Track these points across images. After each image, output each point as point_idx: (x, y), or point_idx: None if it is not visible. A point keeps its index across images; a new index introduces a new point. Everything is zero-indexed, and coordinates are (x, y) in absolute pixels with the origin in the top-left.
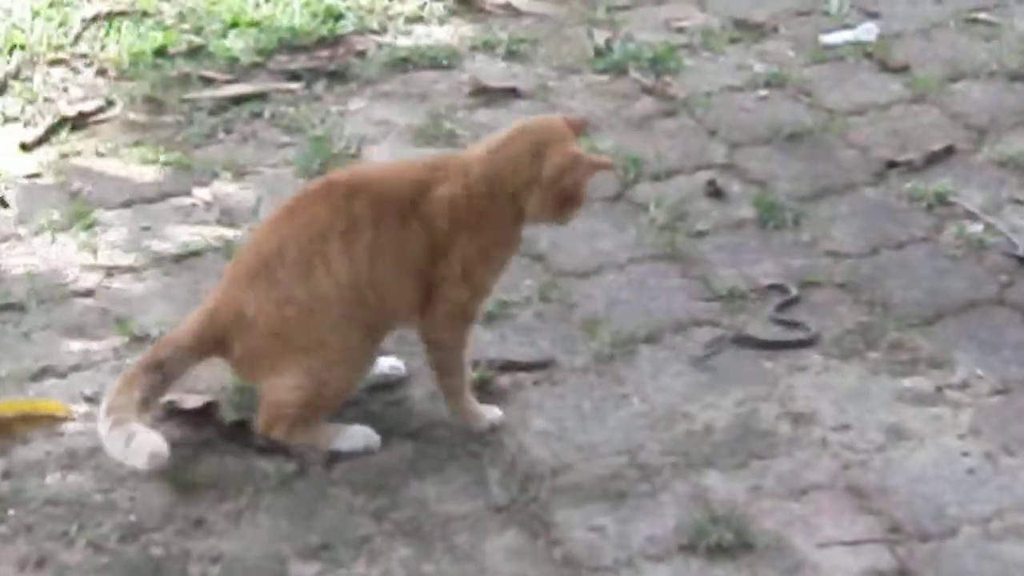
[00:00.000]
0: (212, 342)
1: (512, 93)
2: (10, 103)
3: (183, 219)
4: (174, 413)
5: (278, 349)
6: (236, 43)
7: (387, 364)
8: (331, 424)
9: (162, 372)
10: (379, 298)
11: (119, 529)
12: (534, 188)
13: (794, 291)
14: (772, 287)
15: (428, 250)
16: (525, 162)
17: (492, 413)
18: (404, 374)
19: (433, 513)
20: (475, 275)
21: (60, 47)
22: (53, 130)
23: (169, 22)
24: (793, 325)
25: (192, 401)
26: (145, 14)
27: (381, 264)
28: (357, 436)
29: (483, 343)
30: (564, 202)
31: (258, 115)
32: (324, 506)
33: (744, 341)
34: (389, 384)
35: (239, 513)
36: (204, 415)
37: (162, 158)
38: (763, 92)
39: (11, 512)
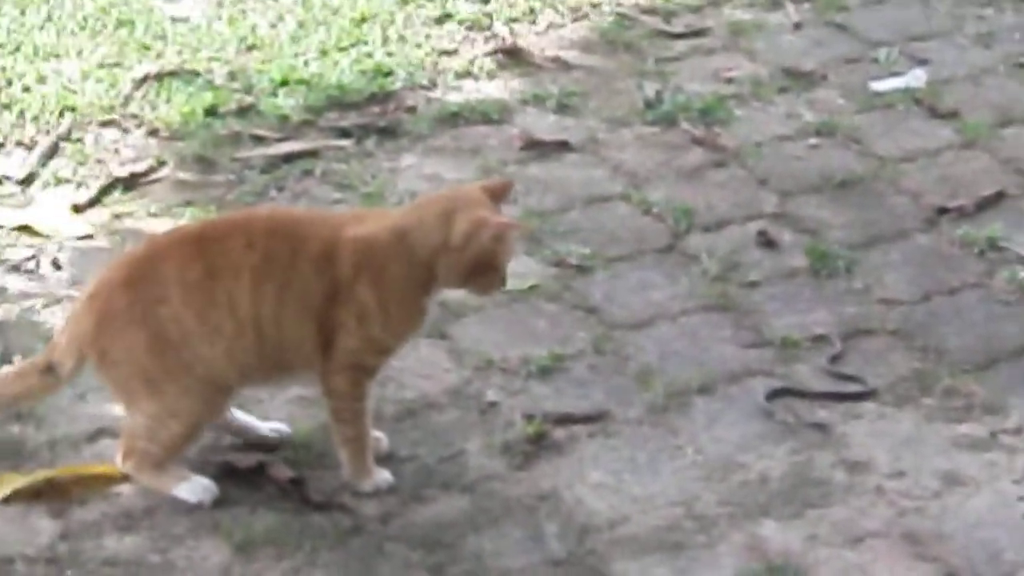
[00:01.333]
0: (83, 339)
1: (563, 146)
2: (62, 165)
3: None
4: (230, 472)
5: (140, 366)
6: (286, 101)
7: (267, 427)
8: (179, 469)
9: (53, 375)
10: (279, 337)
11: None
12: (443, 253)
13: (839, 345)
14: (818, 338)
15: (330, 293)
16: (434, 226)
17: (382, 476)
18: (286, 436)
19: (490, 568)
20: (371, 327)
21: (111, 108)
22: (105, 191)
23: (219, 81)
24: (850, 379)
25: (247, 460)
26: (195, 74)
27: (286, 302)
28: (197, 488)
29: (538, 396)
30: (478, 270)
31: (309, 172)
32: (381, 562)
33: (802, 393)
34: (271, 445)
35: (296, 571)
36: (259, 473)
37: (214, 217)
38: (813, 140)
39: (69, 573)
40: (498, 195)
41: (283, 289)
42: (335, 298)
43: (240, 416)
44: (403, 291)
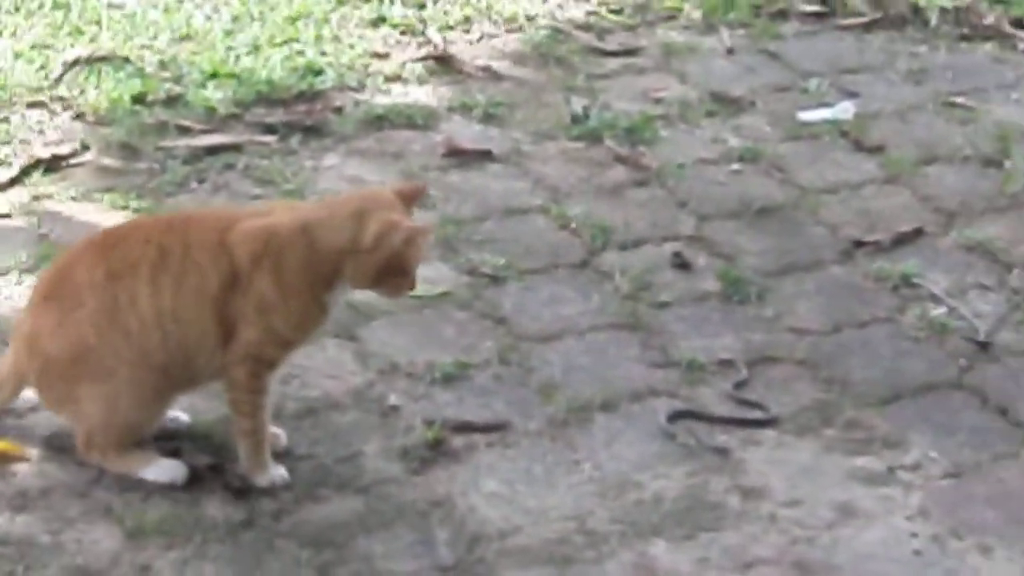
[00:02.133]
0: (18, 369)
1: (486, 156)
2: None
3: None
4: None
5: (74, 375)
6: (214, 94)
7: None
8: (145, 452)
9: None
10: (181, 332)
11: (65, 572)
12: (352, 254)
13: (744, 372)
14: (724, 362)
15: (228, 284)
16: (345, 225)
17: (278, 472)
18: (184, 424)
19: (379, 570)
20: (270, 318)
21: (39, 89)
22: (26, 172)
23: (149, 70)
24: (753, 405)
25: (165, 446)
26: (126, 60)
27: (184, 294)
28: (166, 468)
29: (440, 403)
30: (387, 272)
31: (231, 166)
32: (270, 558)
33: (704, 416)
34: (173, 434)
35: (185, 561)
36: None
37: (133, 205)
38: (736, 166)
39: None
40: (410, 199)
41: (179, 281)
42: (234, 288)
43: None
44: (303, 284)
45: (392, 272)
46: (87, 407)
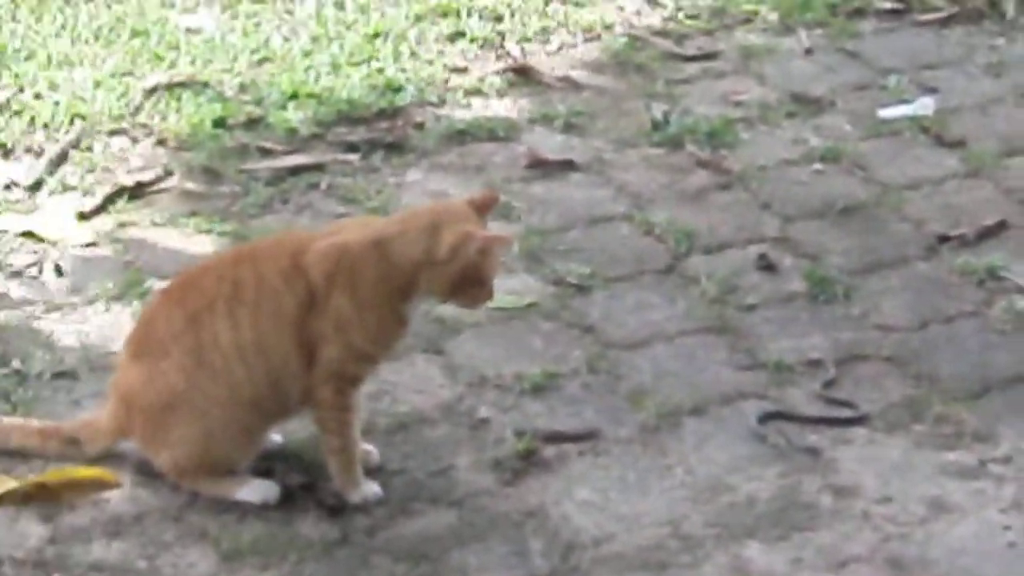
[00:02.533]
0: (119, 427)
1: (569, 166)
2: (69, 172)
3: None
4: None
5: (169, 422)
6: (295, 114)
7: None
8: (237, 474)
9: (76, 448)
10: (265, 363)
11: None
12: (427, 266)
13: (832, 371)
14: (812, 362)
15: (306, 305)
16: (419, 238)
17: (370, 488)
18: (276, 444)
19: None
20: (349, 335)
21: (120, 117)
22: (111, 200)
23: (229, 93)
24: (842, 404)
25: (259, 466)
26: (205, 85)
27: (263, 323)
28: (259, 488)
29: (530, 413)
30: (464, 283)
31: (315, 186)
32: (366, 574)
33: (794, 417)
34: (265, 455)
35: None
36: (269, 478)
37: (218, 228)
38: (818, 166)
39: None
40: (484, 208)
41: (256, 311)
42: (311, 308)
43: None
44: (380, 299)
45: (469, 283)
46: (183, 450)
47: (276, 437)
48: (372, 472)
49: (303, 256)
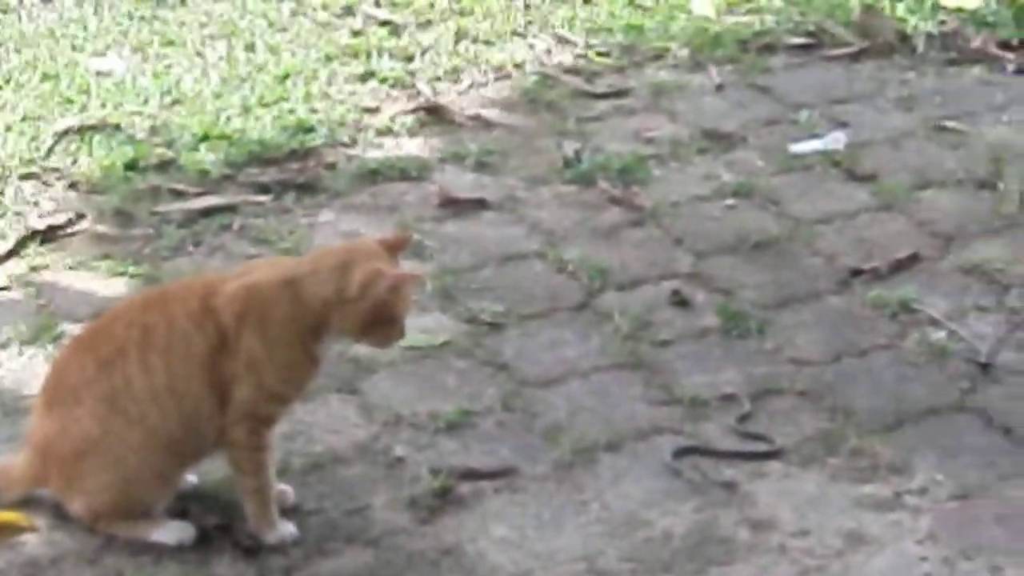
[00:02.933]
0: (35, 476)
1: (481, 204)
2: None
3: None
4: None
5: (85, 469)
6: (207, 156)
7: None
8: (151, 517)
9: None
10: (178, 407)
11: None
12: (338, 305)
13: (747, 405)
14: (727, 397)
15: (216, 347)
16: (330, 277)
17: (286, 528)
18: (191, 485)
19: None
20: (261, 375)
21: (31, 161)
22: (22, 243)
23: (140, 135)
24: (757, 437)
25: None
26: (117, 127)
27: (174, 366)
28: (174, 529)
29: (445, 451)
30: (375, 322)
31: (227, 227)
32: None
33: (709, 452)
34: (180, 495)
35: None
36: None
37: (131, 271)
38: (730, 201)
39: None
40: (396, 248)
41: (167, 355)
42: (222, 349)
43: None
44: (291, 338)
45: (380, 321)
46: (99, 496)
47: (191, 478)
48: (288, 512)
49: (213, 298)
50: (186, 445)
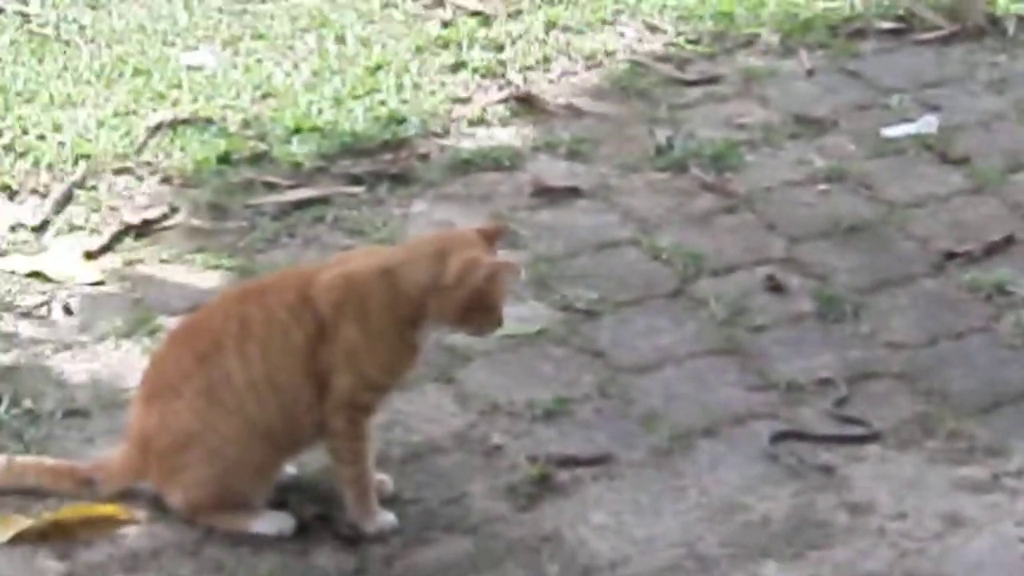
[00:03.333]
0: (136, 470)
1: (574, 192)
2: (75, 212)
3: None
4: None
5: (185, 463)
6: (299, 148)
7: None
8: (251, 509)
9: (90, 488)
10: (277, 398)
11: None
12: (435, 292)
13: (844, 389)
14: (823, 381)
15: (314, 337)
16: (426, 265)
17: (386, 518)
18: (291, 476)
19: None
20: (359, 364)
21: (125, 156)
22: (117, 238)
23: (233, 129)
24: (854, 422)
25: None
26: (209, 121)
27: (273, 360)
28: (274, 520)
29: (542, 439)
30: (473, 310)
31: (321, 219)
32: None
33: (807, 436)
34: (280, 487)
35: None
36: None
37: (225, 263)
38: (823, 186)
39: None
40: (492, 238)
41: (265, 346)
42: (320, 340)
43: None
44: (389, 327)
45: (477, 309)
46: (198, 489)
47: (290, 469)
48: (387, 502)
49: (310, 288)
50: (284, 436)
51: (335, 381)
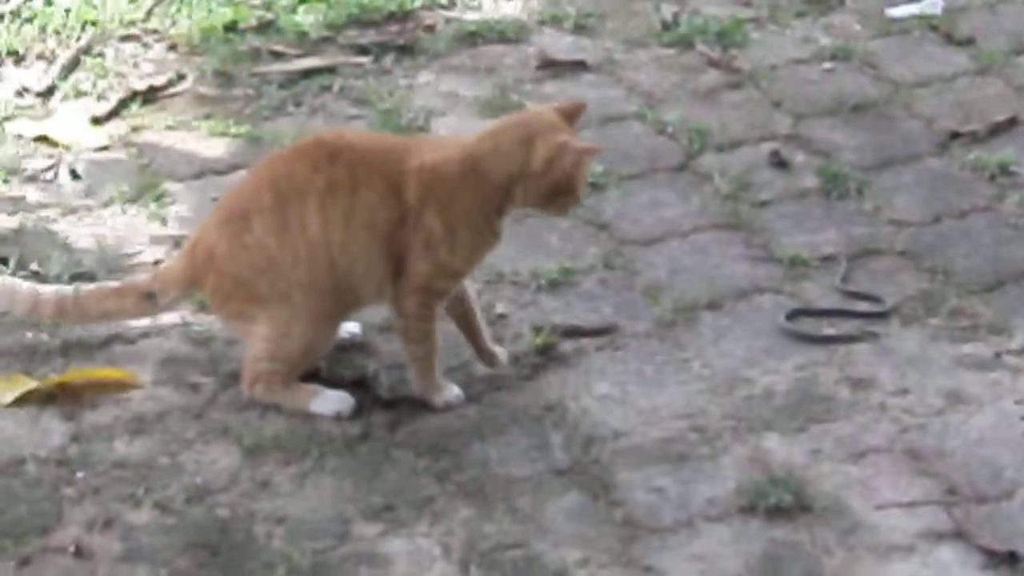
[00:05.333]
0: (192, 278)
1: (579, 66)
2: (82, 78)
3: None
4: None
5: (244, 295)
6: (306, 18)
7: (345, 328)
8: (309, 385)
9: (151, 302)
10: (348, 263)
11: (185, 491)
12: (522, 179)
13: (844, 263)
14: (827, 257)
15: (398, 220)
16: (514, 151)
17: (451, 392)
18: (357, 337)
19: (495, 475)
20: (439, 250)
21: (131, 23)
22: (123, 104)
23: None
24: (866, 297)
25: None
26: None
27: (353, 229)
28: (332, 399)
29: (547, 310)
30: (557, 192)
31: (327, 88)
32: (387, 468)
33: (823, 312)
34: (353, 347)
35: (304, 475)
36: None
37: (232, 131)
38: (828, 65)
39: (79, 475)
40: (572, 116)
41: (348, 215)
42: (402, 225)
43: None
44: (475, 217)
45: (561, 192)
46: (260, 328)
47: (354, 327)
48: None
49: (399, 175)
50: (346, 296)
51: (412, 266)
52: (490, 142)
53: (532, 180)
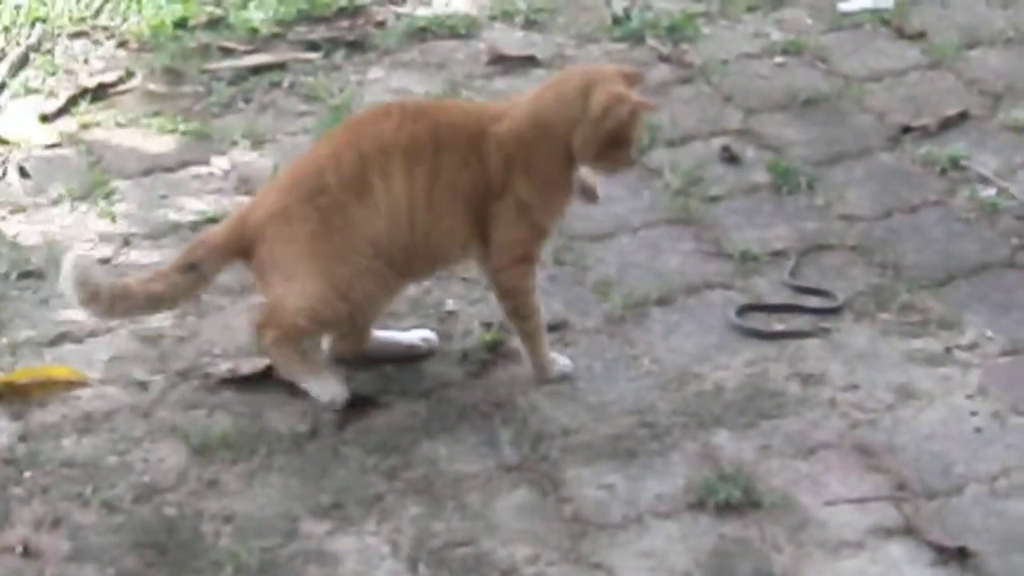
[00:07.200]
0: (239, 244)
1: (530, 61)
2: (31, 75)
3: (201, 188)
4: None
5: (306, 252)
6: (256, 14)
7: (416, 336)
8: (313, 360)
9: (197, 271)
10: (429, 225)
11: (133, 490)
12: (579, 125)
13: (793, 259)
14: (777, 252)
15: (483, 188)
16: (571, 101)
17: (564, 363)
18: (434, 344)
19: (444, 472)
20: (530, 215)
21: (81, 20)
22: (73, 101)
23: None
24: (818, 292)
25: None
26: None
27: (437, 191)
28: (328, 387)
29: (496, 306)
30: (611, 144)
31: (277, 84)
32: (336, 465)
33: (774, 307)
34: (421, 355)
35: (252, 473)
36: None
37: (181, 128)
38: (780, 59)
39: (27, 474)
40: (633, 81)
41: (433, 177)
42: (487, 194)
43: (381, 334)
44: (555, 173)
45: (615, 144)
46: (306, 285)
47: (430, 334)
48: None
49: (481, 141)
50: (415, 264)
51: (506, 236)
52: (551, 91)
53: (589, 127)
